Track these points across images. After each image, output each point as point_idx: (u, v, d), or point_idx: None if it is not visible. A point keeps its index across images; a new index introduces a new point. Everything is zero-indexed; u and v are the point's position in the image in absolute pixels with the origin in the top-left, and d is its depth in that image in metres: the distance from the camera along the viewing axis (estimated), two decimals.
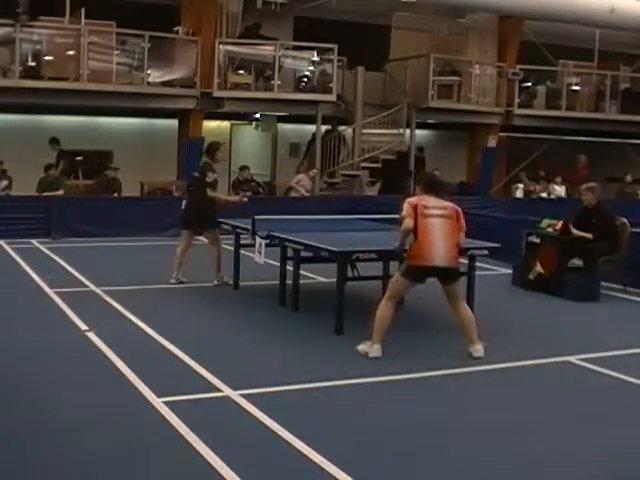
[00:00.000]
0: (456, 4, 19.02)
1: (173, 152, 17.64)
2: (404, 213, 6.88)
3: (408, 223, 6.83)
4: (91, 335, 7.32)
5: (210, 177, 9.83)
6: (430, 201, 6.96)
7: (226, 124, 19.94)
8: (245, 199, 10.62)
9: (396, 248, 7.10)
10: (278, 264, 8.93)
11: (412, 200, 6.99)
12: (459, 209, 7.10)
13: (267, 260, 8.79)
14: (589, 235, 9.99)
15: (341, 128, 18.41)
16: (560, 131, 20.94)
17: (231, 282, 9.93)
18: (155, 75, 16.48)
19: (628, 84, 21.91)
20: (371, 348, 6.88)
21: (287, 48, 17.86)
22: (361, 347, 6.97)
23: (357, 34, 18.61)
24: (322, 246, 7.80)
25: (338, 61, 17.89)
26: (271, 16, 18.01)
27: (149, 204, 15.16)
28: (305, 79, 17.97)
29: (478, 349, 6.98)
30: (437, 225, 6.85)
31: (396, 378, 6.36)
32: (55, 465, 4.61)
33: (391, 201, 12.36)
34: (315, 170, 17.50)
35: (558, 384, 6.48)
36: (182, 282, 9.98)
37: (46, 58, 15.45)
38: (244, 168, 17.32)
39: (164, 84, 16.63)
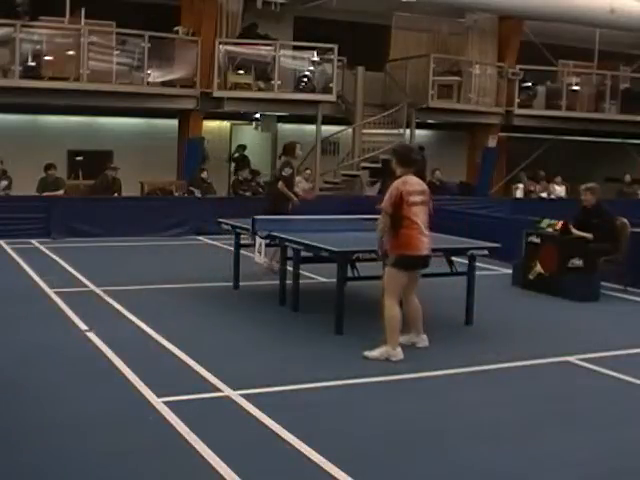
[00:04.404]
0: (456, 4, 19.00)
1: (173, 152, 17.64)
2: (386, 204, 6.68)
3: (385, 222, 6.69)
4: (91, 335, 7.31)
5: (286, 172, 10.82)
6: (412, 184, 6.79)
7: (226, 124, 19.96)
8: (310, 196, 10.84)
9: (377, 253, 7.01)
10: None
11: (399, 186, 6.73)
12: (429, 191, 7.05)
13: (267, 260, 8.78)
14: (589, 235, 9.99)
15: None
16: (560, 131, 20.94)
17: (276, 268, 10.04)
18: (155, 75, 16.48)
19: (628, 84, 21.91)
20: (393, 351, 6.75)
21: (285, 47, 17.85)
22: (377, 352, 6.77)
23: (357, 34, 18.62)
24: (322, 246, 7.80)
25: (338, 61, 17.90)
26: (271, 16, 18.02)
27: (149, 204, 15.15)
28: (305, 79, 17.96)
29: (424, 338, 7.23)
30: (420, 213, 6.79)
31: (396, 378, 6.35)
32: (54, 465, 4.61)
33: None
34: (308, 171, 17.48)
35: (558, 384, 6.48)
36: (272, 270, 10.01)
37: (46, 58, 15.44)
38: (243, 168, 17.31)
39: (164, 84, 16.64)
